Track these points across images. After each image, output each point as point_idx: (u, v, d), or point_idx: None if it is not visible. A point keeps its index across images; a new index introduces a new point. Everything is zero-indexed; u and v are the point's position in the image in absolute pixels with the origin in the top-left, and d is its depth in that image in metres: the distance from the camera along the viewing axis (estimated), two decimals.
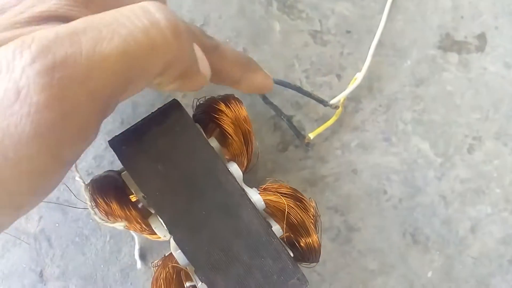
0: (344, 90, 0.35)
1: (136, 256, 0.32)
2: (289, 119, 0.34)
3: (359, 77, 0.35)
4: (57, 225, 0.33)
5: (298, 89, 0.34)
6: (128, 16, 0.17)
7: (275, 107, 0.34)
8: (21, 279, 0.32)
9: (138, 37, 0.17)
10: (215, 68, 0.23)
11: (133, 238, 0.32)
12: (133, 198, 0.25)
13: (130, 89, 0.18)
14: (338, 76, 0.36)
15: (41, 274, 0.32)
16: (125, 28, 0.17)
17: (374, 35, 0.36)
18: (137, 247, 0.32)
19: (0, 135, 0.15)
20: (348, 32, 0.37)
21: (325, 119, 0.35)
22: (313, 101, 0.35)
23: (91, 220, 0.33)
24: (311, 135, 0.34)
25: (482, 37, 0.37)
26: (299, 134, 0.34)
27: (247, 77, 0.27)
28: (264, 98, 0.34)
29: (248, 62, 0.29)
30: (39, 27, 0.17)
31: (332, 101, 0.34)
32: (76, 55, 0.16)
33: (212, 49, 0.24)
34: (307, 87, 0.36)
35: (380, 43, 0.36)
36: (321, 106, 0.35)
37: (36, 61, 0.15)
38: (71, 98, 0.16)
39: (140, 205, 0.25)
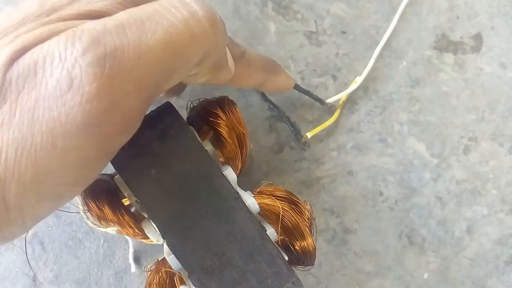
0: (341, 91, 0.35)
1: (130, 260, 0.32)
2: (287, 117, 0.34)
3: (358, 80, 0.35)
4: (50, 228, 0.32)
5: (296, 87, 0.34)
6: (168, 8, 0.18)
7: (274, 105, 0.34)
8: (14, 283, 0.32)
9: (179, 27, 0.18)
10: (242, 74, 0.24)
11: (127, 241, 0.32)
12: (126, 202, 0.24)
13: (172, 79, 0.19)
14: (334, 77, 0.36)
15: (34, 278, 0.32)
16: (166, 19, 0.17)
17: (370, 36, 0.36)
18: (131, 250, 0.32)
19: (51, 124, 0.15)
20: (344, 32, 0.37)
21: (320, 121, 0.35)
22: (308, 103, 0.35)
23: (84, 224, 0.32)
24: (309, 134, 0.34)
25: (478, 37, 0.37)
26: (297, 133, 0.34)
27: (271, 79, 0.29)
28: (263, 95, 0.34)
29: (272, 65, 0.30)
30: (87, 21, 0.18)
31: (329, 101, 0.34)
32: (124, 46, 0.16)
33: (239, 56, 0.25)
34: None
35: (376, 44, 0.36)
36: (316, 108, 0.35)
37: (88, 52, 0.15)
38: (120, 88, 0.16)
39: (133, 209, 0.25)
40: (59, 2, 0.19)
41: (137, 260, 0.32)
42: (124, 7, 0.19)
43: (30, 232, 0.32)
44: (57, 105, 0.15)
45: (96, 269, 0.32)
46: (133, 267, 0.32)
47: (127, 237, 0.31)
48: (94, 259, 0.32)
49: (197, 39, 0.18)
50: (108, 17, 0.17)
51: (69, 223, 0.32)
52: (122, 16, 0.17)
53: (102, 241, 0.32)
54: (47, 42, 0.16)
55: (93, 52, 0.16)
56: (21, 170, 0.15)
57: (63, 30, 0.16)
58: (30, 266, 0.32)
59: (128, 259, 0.32)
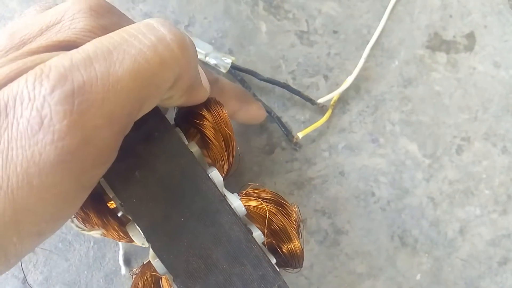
0: (332, 91, 0.35)
1: (121, 262, 0.32)
2: (278, 117, 0.34)
3: (349, 80, 0.34)
4: None
5: (287, 87, 0.34)
6: (135, 34, 0.18)
7: (265, 106, 0.34)
8: (3, 285, 0.32)
9: (147, 54, 0.17)
10: None
11: (117, 243, 0.32)
12: (111, 205, 0.24)
13: (145, 106, 0.19)
14: (325, 77, 0.36)
15: (23, 281, 0.32)
16: (134, 47, 0.17)
17: (362, 35, 0.36)
18: (121, 252, 0.31)
19: (25, 164, 0.15)
20: (335, 32, 0.36)
21: (311, 121, 0.34)
22: (299, 104, 0.35)
23: (73, 224, 0.32)
24: (300, 134, 0.33)
25: (471, 36, 0.37)
26: (288, 133, 0.34)
27: (244, 108, 0.30)
28: (254, 96, 0.34)
29: (245, 95, 0.31)
30: (56, 53, 0.18)
31: (320, 101, 0.34)
32: (92, 80, 0.16)
33: (212, 81, 0.25)
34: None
35: (368, 43, 0.35)
36: (307, 109, 0.35)
37: (56, 90, 0.15)
38: (91, 122, 0.16)
39: (120, 213, 0.25)
40: (28, 34, 0.18)
41: (127, 262, 0.32)
42: (94, 34, 0.19)
43: None
44: (29, 145, 0.15)
45: (86, 272, 0.32)
46: (123, 269, 0.31)
47: None
48: (84, 262, 0.32)
49: (167, 64, 0.18)
50: (75, 50, 0.17)
51: None
52: (89, 48, 0.17)
53: (92, 243, 0.32)
54: (15, 82, 0.16)
55: (61, 89, 0.15)
56: (0, 211, 0.15)
57: (32, 67, 0.16)
58: (21, 268, 0.32)
59: (118, 261, 0.32)
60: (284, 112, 0.35)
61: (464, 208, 0.34)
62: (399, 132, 0.35)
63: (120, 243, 0.31)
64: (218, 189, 0.23)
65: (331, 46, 0.36)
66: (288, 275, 0.26)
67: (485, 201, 0.34)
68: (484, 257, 0.34)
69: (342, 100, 0.35)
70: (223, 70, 0.34)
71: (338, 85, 0.35)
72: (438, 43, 0.36)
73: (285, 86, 0.34)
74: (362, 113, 0.35)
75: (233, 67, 0.34)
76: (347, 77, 0.35)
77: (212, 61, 0.34)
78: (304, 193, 0.34)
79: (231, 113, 0.28)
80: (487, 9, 0.37)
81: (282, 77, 0.35)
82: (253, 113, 0.31)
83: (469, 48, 0.36)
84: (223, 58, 0.34)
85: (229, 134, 0.25)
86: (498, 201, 0.34)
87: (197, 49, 0.27)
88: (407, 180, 0.34)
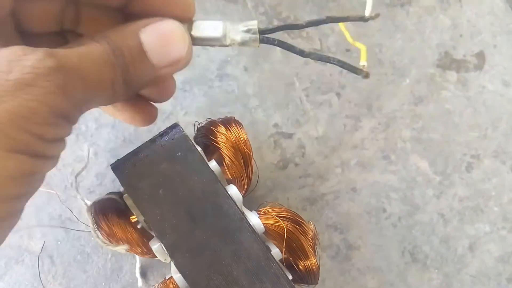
0: (345, 108, 0.35)
1: (137, 274, 0.32)
2: (339, 60, 0.24)
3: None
4: (59, 243, 0.33)
5: (330, 19, 0.24)
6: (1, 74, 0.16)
7: (317, 55, 0.24)
8: None
9: (19, 94, 0.16)
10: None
11: (134, 256, 0.32)
12: (133, 219, 0.25)
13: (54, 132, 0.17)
14: (338, 95, 0.36)
15: None
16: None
17: (374, 53, 0.37)
18: (138, 265, 0.32)
19: None
20: (348, 50, 0.37)
21: (325, 138, 0.35)
22: (312, 119, 0.36)
23: (92, 238, 0.33)
24: (363, 62, 0.24)
25: (480, 55, 0.37)
26: (355, 69, 0.24)
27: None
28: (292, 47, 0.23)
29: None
30: None
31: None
32: None
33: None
34: (307, 105, 0.36)
35: (379, 62, 0.36)
36: (320, 123, 0.35)
37: None
38: None
39: (139, 226, 0.25)
40: None
41: (143, 274, 0.33)
42: None
43: (39, 246, 0.33)
44: None
45: (103, 283, 0.32)
46: (140, 282, 0.32)
47: None
48: (102, 273, 0.33)
49: (54, 95, 0.16)
50: None
51: (77, 237, 0.33)
52: None
53: (110, 256, 0.33)
54: None
55: None
56: None
57: None
58: (40, 280, 0.33)
59: (135, 273, 0.32)
60: (297, 128, 0.36)
61: (473, 225, 0.35)
62: (410, 149, 0.36)
63: (137, 256, 0.32)
64: (238, 207, 0.24)
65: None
66: None
67: (494, 218, 0.35)
68: (494, 274, 0.34)
69: (354, 117, 0.36)
70: (256, 45, 0.23)
71: (350, 102, 0.36)
72: (448, 62, 0.37)
73: (328, 19, 0.24)
74: (374, 130, 0.36)
75: (263, 32, 0.23)
76: (358, 95, 0.36)
77: (234, 40, 0.23)
78: (316, 209, 0.35)
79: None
80: (496, 29, 0.38)
81: (296, 94, 0.36)
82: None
83: (479, 67, 0.37)
84: (244, 29, 0.23)
85: (248, 153, 0.25)
86: (507, 218, 0.35)
87: (209, 34, 0.22)
88: (418, 197, 0.35)
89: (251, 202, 0.29)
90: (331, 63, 0.24)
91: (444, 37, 0.38)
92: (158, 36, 0.20)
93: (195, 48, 0.21)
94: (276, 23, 0.37)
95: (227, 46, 0.23)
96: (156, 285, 0.25)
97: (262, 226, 0.24)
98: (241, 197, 0.25)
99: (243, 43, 0.23)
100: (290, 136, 0.35)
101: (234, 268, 0.23)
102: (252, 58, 0.37)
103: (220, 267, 0.23)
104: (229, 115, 0.31)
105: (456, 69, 0.37)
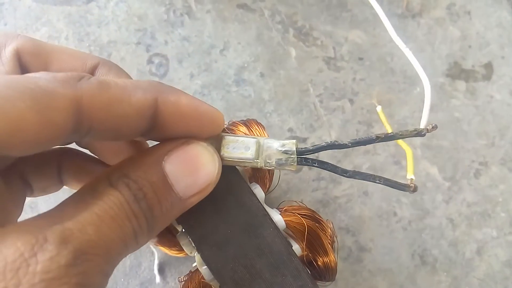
0: (357, 114, 0.37)
1: (155, 271, 0.33)
2: (385, 179, 0.25)
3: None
4: None
5: (384, 138, 0.25)
6: None
7: (361, 174, 0.24)
8: None
9: None
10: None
11: (152, 253, 0.33)
12: None
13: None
14: (351, 101, 0.38)
15: None
16: None
17: (386, 62, 0.38)
18: (156, 262, 0.33)
19: None
20: (361, 59, 0.39)
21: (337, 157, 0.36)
22: (326, 124, 0.37)
23: None
24: (410, 175, 0.27)
25: (489, 66, 0.39)
26: (403, 186, 0.25)
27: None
28: (335, 168, 0.23)
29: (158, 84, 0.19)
30: None
31: (422, 125, 0.27)
32: None
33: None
34: (320, 111, 0.37)
35: (391, 70, 0.38)
36: (334, 128, 0.37)
37: None
38: None
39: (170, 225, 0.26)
40: None
41: (161, 271, 0.34)
42: None
43: None
44: None
45: (122, 279, 0.33)
46: (158, 278, 0.33)
47: (153, 249, 0.33)
48: (121, 270, 0.33)
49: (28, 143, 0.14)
50: None
51: None
52: None
53: None
54: None
55: None
56: None
57: None
58: None
59: (153, 270, 0.33)
60: (311, 133, 0.37)
61: (481, 230, 0.36)
62: (421, 155, 0.37)
63: (155, 253, 0.33)
64: (261, 203, 0.25)
65: (357, 72, 0.38)
66: None
67: (501, 224, 0.36)
68: (500, 277, 0.35)
69: (367, 123, 0.37)
70: (292, 168, 0.23)
71: (363, 109, 0.37)
72: (457, 72, 0.38)
73: (377, 139, 0.25)
74: None
75: (300, 153, 0.23)
76: (371, 101, 0.37)
77: (269, 164, 0.22)
78: (329, 211, 0.36)
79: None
80: (504, 40, 0.39)
81: (310, 100, 0.37)
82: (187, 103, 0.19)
83: (487, 77, 0.39)
84: (281, 149, 0.23)
85: None
86: None
87: (240, 155, 0.21)
88: (427, 202, 0.36)
89: (267, 203, 0.29)
90: (378, 182, 0.24)
91: (454, 48, 0.39)
92: (184, 164, 0.18)
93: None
94: (292, 32, 0.39)
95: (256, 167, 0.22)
96: (182, 277, 0.26)
97: (284, 222, 0.25)
98: (263, 194, 0.26)
99: (279, 166, 0.22)
100: (304, 140, 0.37)
101: (257, 262, 0.24)
102: (268, 65, 0.38)
103: (244, 260, 0.24)
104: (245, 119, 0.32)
105: (465, 79, 0.38)
